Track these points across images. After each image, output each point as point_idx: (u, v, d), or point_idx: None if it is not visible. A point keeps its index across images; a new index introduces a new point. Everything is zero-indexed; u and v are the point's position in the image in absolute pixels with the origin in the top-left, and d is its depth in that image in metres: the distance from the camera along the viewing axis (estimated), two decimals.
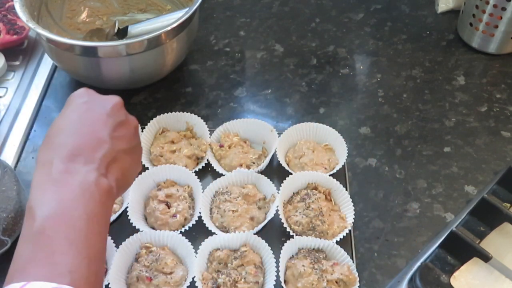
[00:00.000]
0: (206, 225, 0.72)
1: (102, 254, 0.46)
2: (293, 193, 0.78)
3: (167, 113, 0.84)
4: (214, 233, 0.71)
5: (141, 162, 0.56)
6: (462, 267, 0.65)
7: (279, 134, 0.82)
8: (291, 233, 0.72)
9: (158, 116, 0.84)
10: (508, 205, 0.73)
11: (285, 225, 0.72)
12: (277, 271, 0.67)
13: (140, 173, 0.77)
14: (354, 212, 0.74)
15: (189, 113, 0.85)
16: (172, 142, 0.82)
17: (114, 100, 0.54)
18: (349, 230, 0.73)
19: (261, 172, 0.79)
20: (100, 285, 0.44)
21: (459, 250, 0.66)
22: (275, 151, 0.80)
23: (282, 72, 0.98)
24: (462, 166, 0.83)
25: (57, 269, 0.41)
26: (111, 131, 0.51)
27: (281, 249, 0.69)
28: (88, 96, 0.53)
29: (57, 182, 0.45)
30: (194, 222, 0.73)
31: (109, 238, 0.70)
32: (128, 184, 0.54)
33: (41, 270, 0.40)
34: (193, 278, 0.67)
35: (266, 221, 0.73)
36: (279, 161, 0.80)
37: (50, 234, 0.42)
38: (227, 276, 0.67)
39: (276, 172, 0.80)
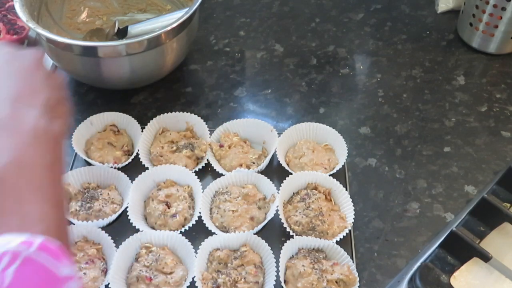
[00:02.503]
0: (206, 225, 0.72)
1: (64, 202, 0.45)
2: (293, 193, 0.78)
3: (167, 113, 0.84)
4: (214, 233, 0.71)
5: (71, 115, 0.53)
6: (462, 267, 0.65)
7: (279, 134, 0.82)
8: (291, 233, 0.72)
9: (158, 116, 0.84)
10: (508, 205, 0.73)
11: (285, 225, 0.72)
12: (277, 271, 0.67)
13: (140, 173, 0.77)
14: (354, 212, 0.74)
15: (189, 113, 0.85)
16: (172, 142, 0.82)
17: (36, 52, 0.52)
18: (349, 230, 0.73)
19: (261, 172, 0.79)
20: (67, 233, 0.43)
21: (459, 250, 0.66)
22: (275, 151, 0.80)
23: (282, 72, 0.98)
24: (462, 166, 0.83)
25: (29, 218, 0.40)
26: (43, 79, 0.49)
27: (281, 249, 0.69)
28: (9, 50, 0.51)
29: (8, 128, 0.43)
30: (194, 222, 0.73)
31: (109, 238, 0.70)
32: (67, 134, 0.51)
33: (13, 220, 0.39)
34: (193, 278, 0.67)
35: (266, 221, 0.73)
36: (279, 161, 0.79)
37: (12, 182, 0.41)
38: (227, 276, 0.67)
39: (276, 172, 0.80)
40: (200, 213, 0.73)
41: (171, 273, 0.68)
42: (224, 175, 0.78)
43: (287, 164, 0.80)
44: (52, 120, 0.46)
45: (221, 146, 0.81)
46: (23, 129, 0.43)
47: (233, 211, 0.73)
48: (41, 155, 0.43)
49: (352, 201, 0.74)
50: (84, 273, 0.67)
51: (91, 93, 0.93)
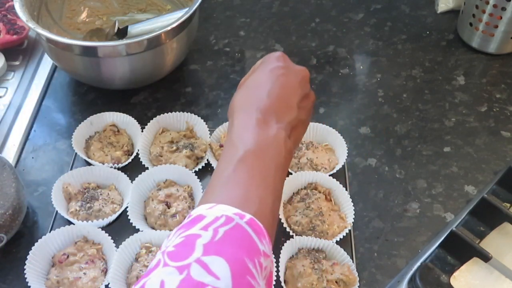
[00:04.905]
0: None
1: (280, 200, 0.52)
2: (293, 193, 0.78)
3: (167, 113, 0.84)
4: None
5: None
6: (462, 267, 0.65)
7: None
8: (291, 233, 0.72)
9: (158, 116, 0.84)
10: (508, 205, 0.73)
11: (285, 225, 0.72)
12: (277, 271, 0.67)
13: (140, 173, 0.77)
14: (354, 212, 0.74)
15: (189, 113, 0.85)
16: (172, 142, 0.82)
17: (304, 72, 0.61)
18: (349, 230, 0.73)
19: None
20: (274, 220, 0.49)
21: (459, 250, 0.66)
22: None
23: None
24: (462, 166, 0.83)
25: (249, 196, 0.46)
26: (299, 101, 0.57)
27: (281, 249, 0.69)
28: (284, 62, 0.60)
29: (257, 128, 0.52)
30: None
31: (109, 238, 0.70)
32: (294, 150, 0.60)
33: (235, 192, 0.46)
34: None
35: None
36: None
37: (249, 165, 0.49)
38: None
39: None
40: None
41: None
42: None
43: None
44: (290, 136, 0.54)
45: (221, 146, 0.81)
46: (268, 133, 0.52)
47: None
48: (273, 156, 0.51)
49: (352, 201, 0.74)
50: (84, 273, 0.67)
51: (91, 93, 0.93)
